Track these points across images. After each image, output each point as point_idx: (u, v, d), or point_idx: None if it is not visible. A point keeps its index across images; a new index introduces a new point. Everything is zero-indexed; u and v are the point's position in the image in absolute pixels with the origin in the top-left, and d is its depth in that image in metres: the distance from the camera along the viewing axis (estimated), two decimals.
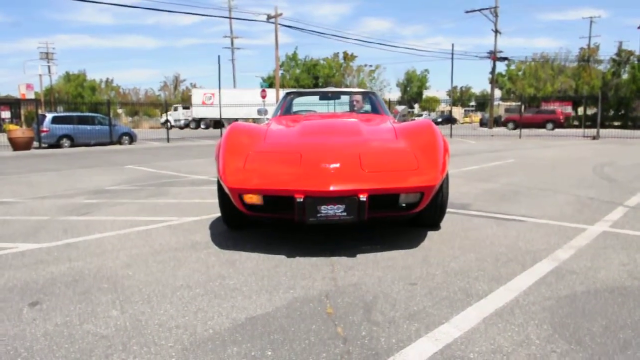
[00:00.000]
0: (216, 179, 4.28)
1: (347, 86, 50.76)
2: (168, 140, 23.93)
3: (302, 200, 3.50)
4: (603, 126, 26.56)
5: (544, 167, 10.22)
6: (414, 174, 3.73)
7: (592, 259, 3.61)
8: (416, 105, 69.92)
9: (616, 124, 37.21)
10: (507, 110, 45.92)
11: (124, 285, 3.16)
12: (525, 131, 26.64)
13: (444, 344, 2.28)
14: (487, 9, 39.16)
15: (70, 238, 4.43)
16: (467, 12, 42.78)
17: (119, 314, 2.68)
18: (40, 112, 22.44)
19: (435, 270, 3.37)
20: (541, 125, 33.08)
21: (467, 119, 62.34)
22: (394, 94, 67.35)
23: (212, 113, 36.31)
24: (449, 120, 31.47)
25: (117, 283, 3.20)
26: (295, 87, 47.71)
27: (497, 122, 40.27)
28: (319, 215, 3.53)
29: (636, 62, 41.46)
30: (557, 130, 30.94)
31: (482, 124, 43.55)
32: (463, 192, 6.74)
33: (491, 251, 3.84)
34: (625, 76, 42.87)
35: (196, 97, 41.50)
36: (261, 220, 4.36)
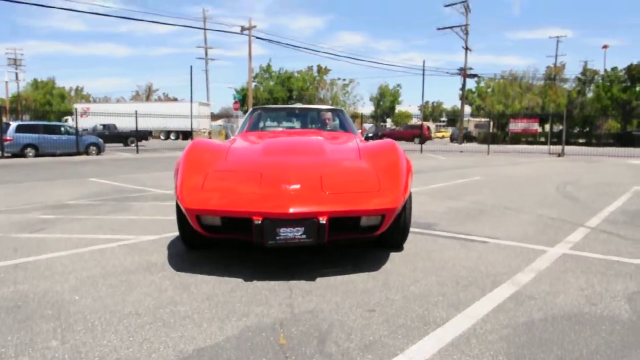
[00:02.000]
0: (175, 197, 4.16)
1: (320, 100, 50.94)
2: (137, 151, 23.51)
3: (260, 222, 3.41)
4: (568, 143, 27.28)
5: (509, 184, 10.36)
6: (375, 195, 3.68)
7: (552, 283, 3.61)
8: (389, 120, 70.65)
9: (581, 141, 38.30)
10: (476, 126, 46.83)
11: (69, 311, 3.00)
12: (493, 147, 27.09)
13: None
14: (458, 26, 40.08)
15: (20, 258, 4.22)
16: (439, 29, 43.61)
17: (58, 345, 2.53)
18: (4, 120, 21.76)
19: (394, 295, 3.31)
20: (410, 139, 37.87)
21: (439, 134, 63.29)
22: (367, 108, 67.90)
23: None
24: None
25: (62, 309, 3.04)
26: (269, 100, 47.73)
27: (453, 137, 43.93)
28: (277, 237, 3.44)
29: (600, 81, 42.89)
30: (520, 146, 31.64)
31: (453, 139, 44.27)
32: (429, 210, 6.74)
33: (452, 274, 3.80)
34: (590, 95, 44.29)
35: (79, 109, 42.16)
36: (220, 241, 4.25)
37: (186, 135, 39.91)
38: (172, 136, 41.44)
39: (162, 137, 42.34)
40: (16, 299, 3.22)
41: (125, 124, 29.07)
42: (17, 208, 6.90)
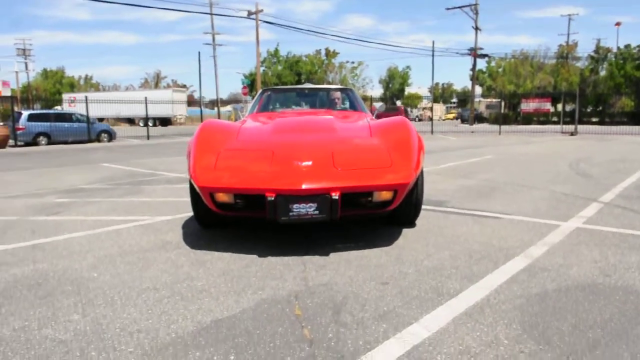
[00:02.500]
0: (189, 177, 4.20)
1: (329, 83, 50.70)
2: (148, 137, 23.63)
3: (273, 198, 3.44)
4: (581, 122, 26.98)
5: (521, 163, 10.29)
6: (387, 171, 3.68)
7: (565, 255, 3.61)
8: (398, 102, 70.19)
9: (594, 120, 37.88)
10: (487, 106, 46.38)
11: (88, 287, 3.06)
12: (504, 127, 26.87)
13: (412, 345, 2.24)
14: (467, 6, 39.45)
15: (38, 239, 4.30)
16: (447, 9, 42.94)
17: (79, 318, 2.59)
18: (16, 109, 21.94)
19: (407, 269, 3.33)
20: None
21: (450, 115, 62.81)
22: (376, 91, 67.43)
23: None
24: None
25: (81, 285, 3.10)
26: (277, 84, 47.59)
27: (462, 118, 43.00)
28: (290, 214, 3.47)
29: (614, 59, 42.20)
30: (533, 126, 31.39)
31: (463, 120, 43.93)
32: (440, 189, 6.74)
33: (465, 248, 3.81)
34: (603, 73, 43.63)
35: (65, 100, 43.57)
36: (234, 219, 4.29)
37: (164, 121, 42.18)
38: (150, 123, 42.25)
39: (140, 124, 42.71)
40: (36, 276, 3.29)
41: (111, 112, 30.71)
42: (32, 192, 7.00)
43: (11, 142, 19.12)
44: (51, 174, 9.55)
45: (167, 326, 2.47)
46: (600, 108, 41.26)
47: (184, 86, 67.29)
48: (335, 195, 3.44)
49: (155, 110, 31.17)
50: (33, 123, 19.81)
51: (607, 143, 16.78)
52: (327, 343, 2.27)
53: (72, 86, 62.27)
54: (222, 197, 3.70)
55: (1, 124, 19.57)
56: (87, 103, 22.90)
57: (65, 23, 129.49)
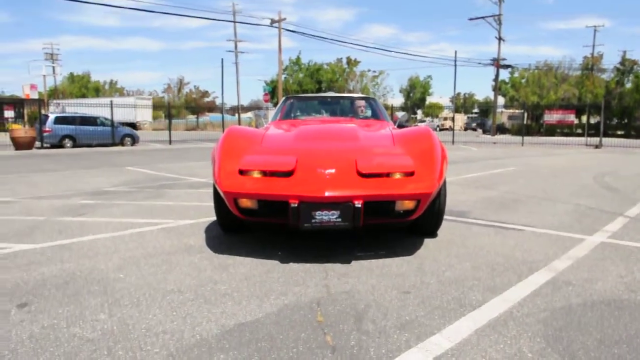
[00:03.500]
0: (213, 182, 4.26)
1: (350, 91, 50.77)
2: (170, 142, 23.94)
3: (296, 205, 3.47)
4: (606, 135, 26.52)
5: (544, 175, 10.17)
6: (410, 181, 3.69)
7: (590, 270, 3.56)
8: (419, 112, 69.96)
9: (619, 132, 37.19)
10: (509, 117, 45.93)
11: (114, 288, 3.13)
12: (527, 139, 26.58)
13: (434, 355, 2.23)
14: (490, 16, 39.19)
15: (65, 239, 4.40)
16: (470, 19, 42.65)
17: (106, 318, 2.65)
18: (43, 112, 22.46)
19: (429, 279, 3.32)
20: None
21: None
22: (397, 100, 67.45)
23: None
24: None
25: (107, 286, 3.16)
26: (298, 92, 47.85)
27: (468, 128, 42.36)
28: (313, 221, 3.50)
29: None
30: (556, 138, 30.95)
31: (484, 130, 43.57)
32: (462, 199, 6.70)
33: (487, 260, 3.79)
34: (629, 85, 42.89)
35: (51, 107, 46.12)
36: (256, 225, 4.33)
37: (130, 126, 43.83)
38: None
39: None
40: (64, 276, 3.36)
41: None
42: (58, 194, 7.16)
43: (37, 144, 19.56)
44: (77, 176, 9.74)
45: (191, 328, 2.51)
46: (626, 121, 40.55)
47: (206, 92, 67.90)
48: (358, 204, 3.46)
49: (121, 116, 33.02)
50: (59, 126, 20.25)
51: (632, 157, 16.47)
52: (349, 350, 2.28)
53: (97, 90, 63.45)
54: (245, 203, 3.74)
55: (28, 126, 20.02)
56: (112, 108, 23.33)
57: (93, 29, 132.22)
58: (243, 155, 3.99)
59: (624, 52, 44.51)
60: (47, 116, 20.78)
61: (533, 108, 40.46)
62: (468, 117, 67.01)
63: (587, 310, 2.81)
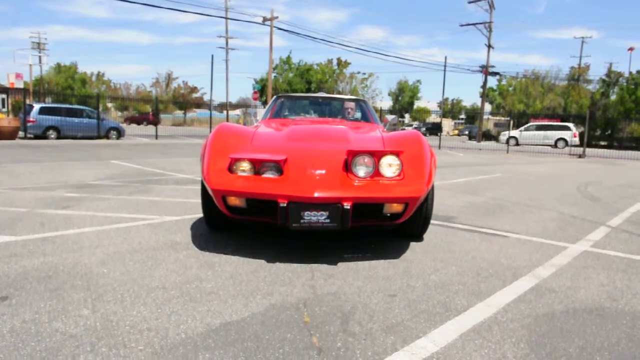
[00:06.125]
0: (201, 179, 4.23)
1: (339, 92, 50.81)
2: (156, 137, 23.75)
3: (285, 205, 3.46)
4: (590, 145, 26.89)
5: (529, 182, 10.28)
6: (399, 184, 3.70)
7: (572, 278, 3.61)
8: (407, 115, 70.23)
9: (602, 143, 37.74)
10: (495, 124, 46.38)
11: (98, 283, 3.09)
12: (512, 147, 26.84)
13: (420, 358, 2.24)
14: (481, 23, 39.58)
15: (48, 232, 4.33)
16: (461, 25, 42.98)
17: (90, 313, 2.61)
18: (28, 102, 22.12)
19: (415, 282, 3.34)
20: None
21: (456, 132, 62.68)
22: (386, 103, 67.67)
23: None
24: (435, 129, 31.86)
25: (91, 280, 3.12)
26: (287, 91, 47.79)
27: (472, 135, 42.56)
28: (302, 221, 3.49)
29: (625, 83, 42.15)
30: (544, 146, 31.29)
31: (470, 136, 43.90)
32: (448, 204, 6.74)
33: (473, 265, 3.82)
34: (613, 97, 43.58)
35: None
36: (244, 223, 4.31)
37: None
38: None
39: None
40: (46, 269, 3.31)
41: None
42: (41, 186, 7.05)
43: (21, 134, 19.26)
44: (61, 168, 9.61)
45: (176, 326, 2.49)
46: (609, 132, 41.15)
47: (195, 88, 67.42)
48: (347, 205, 3.46)
49: None
50: (44, 116, 19.96)
51: (615, 167, 16.73)
52: (335, 352, 2.27)
53: (84, 82, 62.62)
54: (234, 201, 3.72)
55: (11, 116, 19.71)
56: (98, 99, 23.07)
57: (82, 19, 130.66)
58: (233, 154, 3.97)
59: (610, 64, 45.62)
60: (31, 106, 20.46)
61: (519, 116, 40.90)
62: (455, 123, 67.49)
63: (569, 317, 2.85)
